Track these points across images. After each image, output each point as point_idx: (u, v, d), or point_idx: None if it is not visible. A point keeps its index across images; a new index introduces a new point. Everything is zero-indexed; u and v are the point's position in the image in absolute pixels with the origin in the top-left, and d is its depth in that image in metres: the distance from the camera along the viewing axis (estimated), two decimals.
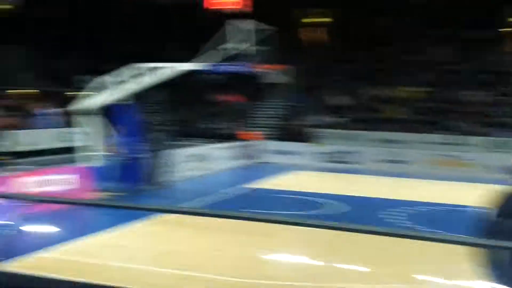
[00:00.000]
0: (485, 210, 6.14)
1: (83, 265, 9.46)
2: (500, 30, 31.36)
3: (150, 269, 9.32)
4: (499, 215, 6.05)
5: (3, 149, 15.43)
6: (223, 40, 17.12)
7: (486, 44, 29.89)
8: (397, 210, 15.14)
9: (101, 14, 36.49)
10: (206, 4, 17.57)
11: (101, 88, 17.80)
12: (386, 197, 17.45)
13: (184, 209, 6.62)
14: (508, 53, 30.04)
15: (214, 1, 17.47)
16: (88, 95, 17.61)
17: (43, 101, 24.84)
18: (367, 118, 27.73)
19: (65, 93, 30.37)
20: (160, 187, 17.64)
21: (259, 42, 17.63)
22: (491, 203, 6.14)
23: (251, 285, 8.68)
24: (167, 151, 18.38)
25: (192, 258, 10.12)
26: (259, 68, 17.82)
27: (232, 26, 16.95)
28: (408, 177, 21.94)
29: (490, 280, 5.88)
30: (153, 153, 18.00)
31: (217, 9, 18.54)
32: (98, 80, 17.85)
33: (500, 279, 5.75)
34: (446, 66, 29.82)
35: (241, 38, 17.02)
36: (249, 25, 17.44)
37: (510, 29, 31.55)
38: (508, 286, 5.63)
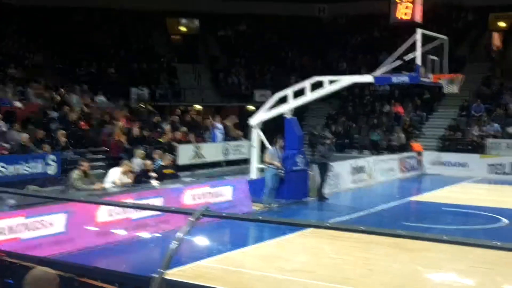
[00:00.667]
0: None
1: (238, 275, 9.79)
2: None
3: (304, 281, 9.37)
4: None
5: (169, 162, 16.34)
6: (409, 51, 16.86)
7: None
8: None
9: (278, 30, 37.73)
10: (398, 15, 17.58)
11: (280, 101, 18.26)
12: None
13: (337, 226, 6.63)
14: None
15: (403, 11, 17.40)
16: (265, 109, 18.15)
17: (220, 116, 26.06)
18: None
19: (248, 108, 31.83)
20: (323, 199, 17.69)
21: (431, 52, 17.21)
22: None
23: None
24: (331, 163, 18.41)
25: (345, 272, 10.03)
26: (429, 78, 17.30)
27: (420, 35, 16.61)
28: None
29: None
30: (316, 166, 18.16)
31: (401, 20, 18.34)
32: (279, 94, 18.33)
33: None
34: None
35: (425, 48, 16.71)
36: (420, 35, 16.98)
37: None
38: None
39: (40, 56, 28.22)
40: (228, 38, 38.22)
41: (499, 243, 3.16)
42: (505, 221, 14.68)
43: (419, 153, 24.98)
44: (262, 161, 17.28)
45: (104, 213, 11.60)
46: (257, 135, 17.98)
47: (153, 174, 14.87)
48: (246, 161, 20.19)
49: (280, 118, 18.10)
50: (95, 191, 12.90)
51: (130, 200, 12.08)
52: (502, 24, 35.18)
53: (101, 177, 14.78)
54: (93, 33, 32.39)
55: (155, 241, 12.12)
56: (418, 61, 16.56)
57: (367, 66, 30.04)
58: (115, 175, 14.10)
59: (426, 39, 16.79)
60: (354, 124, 30.38)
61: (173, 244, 3.88)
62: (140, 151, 17.02)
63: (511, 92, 28.59)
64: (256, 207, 15.84)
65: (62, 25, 30.99)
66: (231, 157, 23.08)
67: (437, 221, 14.71)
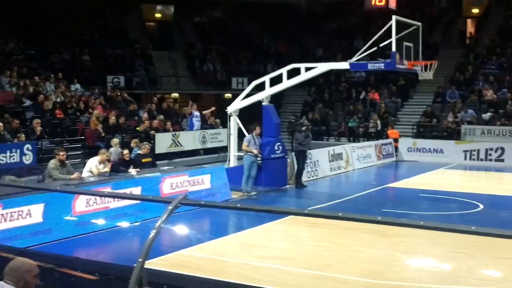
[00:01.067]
0: None
1: (218, 263, 9.78)
2: None
3: (283, 269, 9.40)
4: None
5: (147, 151, 16.19)
6: (384, 37, 16.86)
7: None
8: None
9: (253, 17, 37.57)
10: (372, 1, 17.42)
11: (257, 89, 18.21)
12: None
13: (316, 213, 6.64)
14: None
15: None
16: (242, 96, 18.08)
17: (197, 103, 25.97)
18: None
19: (224, 95, 31.78)
20: (301, 187, 17.74)
21: (405, 38, 17.23)
22: None
23: (383, 286, 8.51)
24: (308, 150, 18.45)
25: (325, 258, 10.09)
26: (404, 65, 17.35)
27: (396, 22, 16.59)
28: None
29: None
30: (294, 153, 18.19)
31: (374, 7, 18.17)
32: (256, 81, 18.27)
33: None
34: None
35: (400, 35, 16.71)
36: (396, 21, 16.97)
37: None
38: None
39: (12, 43, 27.77)
40: (203, 24, 38.00)
41: (473, 228, 3.24)
42: (480, 206, 14.88)
43: (396, 140, 25.17)
44: (239, 149, 17.25)
45: (82, 203, 11.51)
46: (234, 122, 17.95)
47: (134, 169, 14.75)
48: (224, 149, 20.13)
49: (257, 105, 18.06)
50: (72, 180, 12.76)
51: (108, 190, 11.99)
52: (475, 10, 35.48)
53: (78, 167, 14.62)
54: (66, 19, 31.91)
55: (134, 231, 12.08)
56: (393, 48, 16.60)
57: (342, 53, 30.17)
58: (92, 164, 13.99)
59: (400, 26, 16.82)
60: (331, 111, 30.49)
61: (152, 233, 3.86)
62: (115, 139, 16.90)
63: (485, 78, 28.87)
64: (235, 195, 15.83)
65: (33, 11, 30.44)
66: (209, 145, 23.04)
67: (415, 207, 14.85)
